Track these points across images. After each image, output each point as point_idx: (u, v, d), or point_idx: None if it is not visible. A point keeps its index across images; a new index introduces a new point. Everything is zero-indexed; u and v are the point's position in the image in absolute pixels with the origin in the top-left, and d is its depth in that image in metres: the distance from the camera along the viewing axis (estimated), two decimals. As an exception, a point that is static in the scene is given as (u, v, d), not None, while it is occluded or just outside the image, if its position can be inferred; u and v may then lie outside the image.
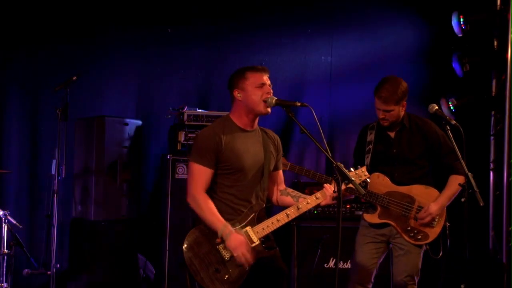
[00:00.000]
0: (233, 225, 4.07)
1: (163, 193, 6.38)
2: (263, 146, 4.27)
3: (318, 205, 4.21)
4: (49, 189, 6.26)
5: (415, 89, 7.00)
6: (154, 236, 6.66)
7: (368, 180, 4.39)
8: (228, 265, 4.04)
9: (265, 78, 4.19)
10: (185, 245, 4.07)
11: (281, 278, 4.24)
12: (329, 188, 4.18)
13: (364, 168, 4.31)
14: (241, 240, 4.02)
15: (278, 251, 4.26)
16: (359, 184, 4.20)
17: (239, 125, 4.22)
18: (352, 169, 4.26)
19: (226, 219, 4.07)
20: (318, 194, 4.19)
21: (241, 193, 4.16)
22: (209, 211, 4.07)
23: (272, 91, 4.19)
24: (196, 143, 4.22)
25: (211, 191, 4.15)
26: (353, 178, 3.95)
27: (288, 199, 4.34)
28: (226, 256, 4.04)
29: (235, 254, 4.02)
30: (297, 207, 4.17)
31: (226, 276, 4.03)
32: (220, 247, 4.05)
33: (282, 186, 4.46)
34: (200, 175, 4.11)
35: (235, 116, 4.24)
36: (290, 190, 4.42)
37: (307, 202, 4.19)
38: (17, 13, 6.85)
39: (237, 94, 4.20)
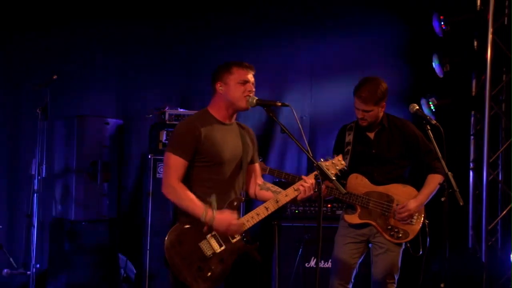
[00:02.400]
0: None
1: (144, 193, 6.36)
2: (241, 139, 4.26)
3: (296, 198, 4.18)
4: (29, 188, 6.23)
5: (396, 89, 7.05)
6: (135, 236, 6.63)
7: (346, 168, 4.36)
8: (210, 262, 4.03)
9: (250, 76, 4.18)
10: (167, 243, 4.03)
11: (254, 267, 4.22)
12: (307, 180, 4.17)
13: (340, 157, 4.31)
14: (227, 219, 4.01)
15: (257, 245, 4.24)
16: (337, 173, 4.22)
17: (218, 118, 4.19)
18: (328, 159, 4.26)
19: None
20: (296, 186, 4.18)
21: (219, 187, 4.12)
22: (188, 198, 4.02)
23: (254, 89, 4.18)
24: (175, 134, 4.18)
25: (188, 185, 4.09)
26: (333, 178, 3.97)
27: (268, 194, 4.32)
28: (208, 253, 4.03)
29: (228, 234, 4.02)
30: (276, 200, 4.16)
31: (209, 273, 4.02)
32: (202, 244, 4.03)
33: (260, 179, 4.44)
34: (177, 166, 4.06)
35: (214, 109, 4.21)
36: (270, 185, 4.41)
37: (286, 194, 4.17)
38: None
39: (219, 87, 4.17)
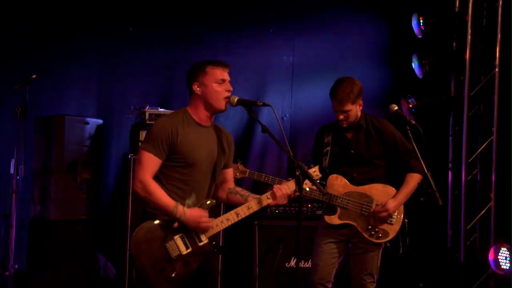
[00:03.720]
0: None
1: (124, 193, 6.34)
2: (217, 143, 4.23)
3: (268, 205, 4.20)
4: (7, 188, 6.18)
5: (375, 89, 7.10)
6: (114, 235, 6.61)
7: (320, 179, 4.37)
8: (175, 264, 4.01)
9: (226, 75, 4.15)
10: (134, 240, 4.01)
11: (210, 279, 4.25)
12: (278, 189, 4.17)
13: (316, 168, 4.32)
14: (197, 215, 4.01)
15: (224, 250, 4.25)
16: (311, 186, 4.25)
17: (196, 119, 4.16)
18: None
19: None
20: (269, 194, 4.18)
21: (190, 188, 4.10)
22: (159, 194, 4.01)
23: (232, 88, 4.16)
24: (151, 131, 4.13)
25: (160, 183, 4.07)
26: (314, 178, 3.97)
27: (237, 198, 4.32)
28: (174, 254, 4.00)
29: (198, 229, 4.01)
30: (248, 206, 4.15)
31: (173, 275, 4.00)
32: (168, 245, 4.01)
33: (231, 184, 4.43)
34: (149, 163, 4.04)
35: (193, 110, 4.17)
36: (239, 189, 4.40)
37: (258, 201, 4.18)
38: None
39: (196, 88, 4.13)
